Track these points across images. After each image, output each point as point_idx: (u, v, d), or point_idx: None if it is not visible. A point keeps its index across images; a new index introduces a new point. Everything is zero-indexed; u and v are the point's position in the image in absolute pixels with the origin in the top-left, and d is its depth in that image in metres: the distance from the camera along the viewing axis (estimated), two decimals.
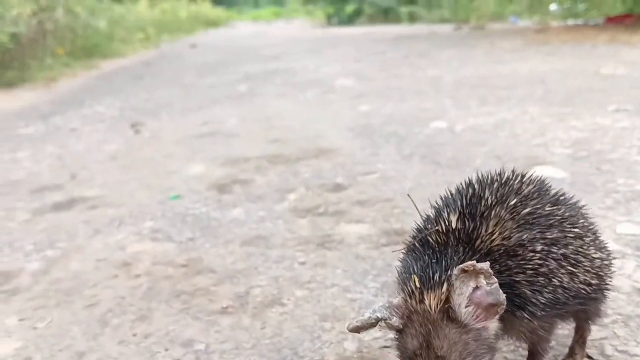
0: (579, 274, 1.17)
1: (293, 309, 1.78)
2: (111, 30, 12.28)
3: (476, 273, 1.00)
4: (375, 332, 1.58)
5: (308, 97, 6.07)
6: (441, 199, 1.26)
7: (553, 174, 2.76)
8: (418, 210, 1.30)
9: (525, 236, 1.11)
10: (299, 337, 1.61)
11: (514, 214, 1.13)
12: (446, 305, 1.03)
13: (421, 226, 1.21)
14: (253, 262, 2.18)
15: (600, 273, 1.23)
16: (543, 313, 1.11)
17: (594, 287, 1.21)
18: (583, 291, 1.19)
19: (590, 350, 1.37)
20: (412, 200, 1.34)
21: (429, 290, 1.04)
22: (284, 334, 1.64)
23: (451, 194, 1.24)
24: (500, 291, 1.01)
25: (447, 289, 1.03)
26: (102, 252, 2.43)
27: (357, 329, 1.08)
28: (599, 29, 9.28)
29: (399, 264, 1.18)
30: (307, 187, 3.08)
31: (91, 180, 3.63)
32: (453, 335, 1.03)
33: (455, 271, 1.01)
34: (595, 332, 1.44)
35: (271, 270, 2.09)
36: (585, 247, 1.20)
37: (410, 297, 1.06)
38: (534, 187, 1.23)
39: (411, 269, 1.09)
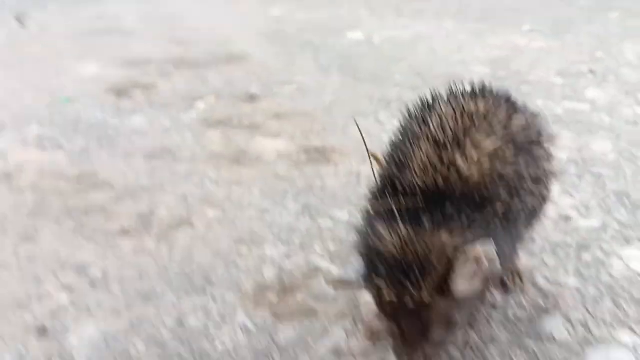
0: (544, 192, 1.10)
1: (205, 232, 1.61)
2: None
3: (479, 255, 0.87)
4: (297, 259, 1.45)
5: None
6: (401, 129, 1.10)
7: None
8: (365, 142, 1.14)
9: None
10: (212, 263, 1.46)
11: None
12: (440, 286, 0.89)
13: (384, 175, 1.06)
14: (158, 178, 1.97)
15: (550, 187, 1.16)
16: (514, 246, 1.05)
17: (546, 200, 1.16)
18: (539, 208, 1.13)
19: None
20: (359, 129, 1.17)
21: (416, 281, 0.89)
22: (194, 259, 1.48)
23: (403, 136, 1.08)
24: (498, 264, 0.89)
25: (438, 275, 0.89)
26: None
27: (337, 285, 1.01)
28: None
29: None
30: (217, 95, 2.85)
31: None
32: (443, 306, 0.91)
33: (458, 256, 0.88)
34: (524, 260, 1.40)
35: (179, 187, 1.89)
36: (546, 164, 1.12)
37: (393, 287, 0.90)
38: (491, 101, 1.09)
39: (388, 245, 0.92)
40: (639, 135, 2.12)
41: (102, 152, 2.21)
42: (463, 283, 0.89)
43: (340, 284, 0.95)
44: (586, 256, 1.41)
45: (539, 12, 4.55)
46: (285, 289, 1.33)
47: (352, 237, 1.02)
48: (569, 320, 1.18)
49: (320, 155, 2.09)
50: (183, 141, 2.29)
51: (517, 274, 1.31)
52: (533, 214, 1.13)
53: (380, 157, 1.20)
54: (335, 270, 1.39)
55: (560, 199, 1.68)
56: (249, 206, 1.75)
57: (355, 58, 3.46)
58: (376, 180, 1.11)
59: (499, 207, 0.97)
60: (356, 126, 1.18)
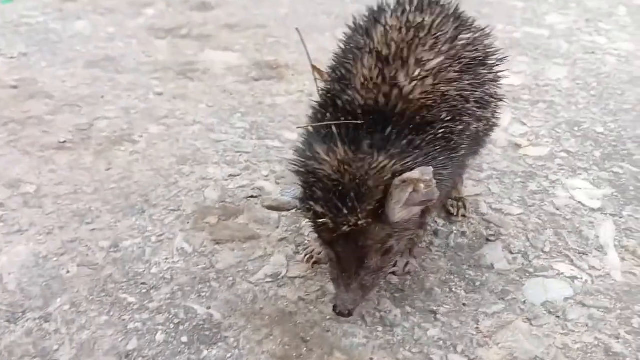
0: (487, 115, 1.06)
1: (146, 148, 1.54)
2: None
3: (416, 181, 0.84)
4: (241, 181, 1.41)
5: None
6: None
7: None
8: (309, 55, 1.07)
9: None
10: (152, 182, 1.40)
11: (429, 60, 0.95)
12: (377, 212, 0.87)
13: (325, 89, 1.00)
14: (99, 89, 1.86)
15: (497, 109, 1.13)
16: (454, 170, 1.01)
17: (491, 125, 1.13)
18: (483, 133, 1.11)
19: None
20: (302, 38, 1.10)
21: (353, 206, 0.86)
22: (133, 178, 1.42)
23: (347, 50, 1.02)
24: (436, 189, 0.86)
25: (374, 201, 0.86)
26: None
27: (272, 208, 0.93)
28: None
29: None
30: (167, 1, 2.67)
31: None
32: (379, 231, 0.90)
33: (396, 181, 0.84)
34: (470, 187, 1.39)
35: (121, 99, 1.80)
36: (492, 87, 1.08)
37: (329, 212, 0.87)
38: (438, 15, 1.04)
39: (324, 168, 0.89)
40: (595, 64, 2.10)
41: (42, 59, 2.07)
42: (399, 209, 0.87)
43: (275, 206, 0.91)
44: (532, 185, 1.41)
45: None
46: (227, 211, 1.30)
47: (290, 157, 0.98)
48: (510, 250, 1.19)
49: (272, 71, 2.01)
50: (128, 49, 2.16)
51: (461, 202, 1.30)
52: (477, 139, 1.10)
53: (324, 70, 1.14)
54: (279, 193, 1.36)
55: (511, 126, 1.66)
56: (194, 123, 1.67)
57: None
58: (318, 96, 1.06)
59: (441, 129, 0.94)
60: (299, 36, 1.10)
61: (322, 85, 1.09)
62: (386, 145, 0.89)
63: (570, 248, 1.20)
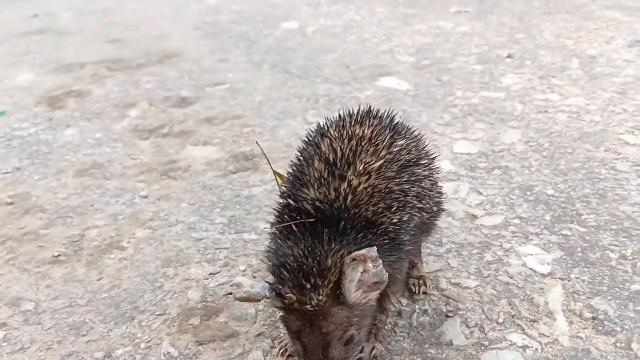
0: (427, 206, 1.21)
1: (133, 254, 1.68)
2: None
3: (365, 259, 0.98)
4: (221, 278, 1.53)
5: None
6: (295, 166, 1.20)
7: (398, 85, 2.79)
8: (270, 164, 1.22)
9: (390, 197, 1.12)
10: (140, 288, 1.53)
11: (372, 170, 1.12)
12: (336, 292, 1.01)
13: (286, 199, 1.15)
14: (89, 197, 2.01)
15: (439, 200, 1.29)
16: (404, 257, 1.15)
17: (434, 214, 1.28)
18: (428, 221, 1.25)
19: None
20: (263, 151, 1.25)
21: (315, 284, 0.99)
22: (123, 285, 1.55)
23: (301, 159, 1.19)
24: (384, 270, 1.00)
25: (334, 280, 1.00)
26: None
27: (244, 300, 1.06)
28: None
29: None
30: (150, 101, 2.86)
31: None
32: (340, 316, 1.03)
33: (347, 260, 0.99)
34: (431, 264, 1.51)
35: (109, 206, 1.94)
36: (429, 177, 1.24)
37: (295, 291, 1.00)
38: (376, 126, 1.20)
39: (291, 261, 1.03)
40: (547, 124, 2.25)
41: (35, 172, 2.22)
42: (354, 288, 1.00)
43: (247, 297, 1.04)
44: (488, 255, 1.53)
45: None
46: (209, 311, 1.41)
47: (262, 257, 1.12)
48: (467, 324, 1.30)
49: (248, 162, 2.16)
50: (114, 154, 2.32)
51: (422, 280, 1.42)
52: (425, 227, 1.25)
53: (283, 175, 1.30)
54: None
55: (468, 197, 1.80)
56: (177, 223, 1.81)
57: (288, 51, 3.50)
58: (281, 200, 1.21)
59: (387, 220, 1.09)
60: (260, 149, 1.25)
61: (284, 189, 1.25)
62: (342, 237, 1.04)
63: (522, 317, 1.31)
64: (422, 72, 2.95)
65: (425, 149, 1.28)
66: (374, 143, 1.16)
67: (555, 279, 1.42)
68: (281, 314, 1.09)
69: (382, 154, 1.14)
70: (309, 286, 0.99)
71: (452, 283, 1.44)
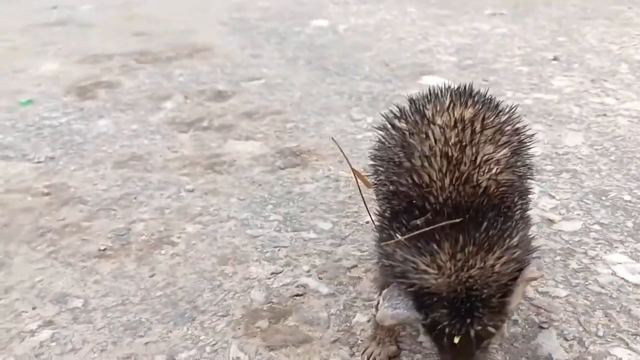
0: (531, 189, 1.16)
1: (185, 250, 1.57)
2: None
3: (537, 277, 0.90)
4: (284, 278, 1.43)
5: None
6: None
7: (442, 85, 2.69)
8: (348, 160, 1.11)
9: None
10: (197, 286, 1.42)
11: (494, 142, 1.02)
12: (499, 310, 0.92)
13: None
14: (131, 189, 1.90)
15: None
16: None
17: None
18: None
19: None
20: (339, 147, 1.14)
21: (481, 313, 0.90)
22: (178, 283, 1.44)
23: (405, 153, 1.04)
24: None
25: (501, 297, 0.91)
26: None
27: (392, 325, 1.01)
28: None
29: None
30: (184, 93, 2.76)
31: None
32: (500, 327, 0.95)
33: (520, 281, 0.90)
34: None
35: (154, 199, 1.83)
36: (529, 160, 1.16)
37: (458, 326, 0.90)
38: (479, 107, 1.08)
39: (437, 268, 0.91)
40: (609, 127, 2.15)
41: (70, 162, 2.12)
42: (517, 300, 0.91)
43: (396, 323, 0.93)
44: (572, 263, 1.42)
45: None
46: (276, 313, 1.30)
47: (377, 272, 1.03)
48: (564, 337, 1.19)
49: (296, 158, 2.06)
50: (153, 146, 2.22)
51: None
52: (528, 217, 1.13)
53: (363, 174, 1.18)
54: (324, 290, 1.37)
55: (540, 200, 1.69)
56: (228, 219, 1.70)
57: (321, 48, 3.40)
58: (379, 203, 1.11)
59: (518, 211, 1.00)
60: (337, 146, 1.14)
61: (366, 187, 1.14)
62: (489, 243, 0.91)
63: (622, 330, 1.20)
64: (465, 72, 2.84)
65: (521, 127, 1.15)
66: (488, 127, 1.03)
67: None
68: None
69: (498, 140, 1.02)
70: (472, 319, 0.89)
71: (540, 292, 1.33)
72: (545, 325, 1.22)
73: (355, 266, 1.46)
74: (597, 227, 1.55)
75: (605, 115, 2.27)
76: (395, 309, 0.90)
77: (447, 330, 0.90)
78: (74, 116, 2.56)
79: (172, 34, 3.90)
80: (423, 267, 0.91)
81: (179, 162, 2.07)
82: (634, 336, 1.18)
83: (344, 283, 1.40)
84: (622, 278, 1.36)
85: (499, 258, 0.91)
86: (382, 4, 4.51)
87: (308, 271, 1.45)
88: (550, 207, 1.65)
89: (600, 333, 1.19)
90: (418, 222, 0.96)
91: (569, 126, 2.17)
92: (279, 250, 1.54)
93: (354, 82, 2.81)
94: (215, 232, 1.64)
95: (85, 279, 1.48)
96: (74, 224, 1.72)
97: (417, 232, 0.95)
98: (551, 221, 1.59)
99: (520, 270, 0.91)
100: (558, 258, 1.44)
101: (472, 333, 0.90)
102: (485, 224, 0.93)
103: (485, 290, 0.89)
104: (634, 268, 1.39)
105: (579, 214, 1.61)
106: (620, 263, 1.40)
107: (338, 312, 1.30)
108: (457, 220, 0.93)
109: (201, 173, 1.99)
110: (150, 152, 2.16)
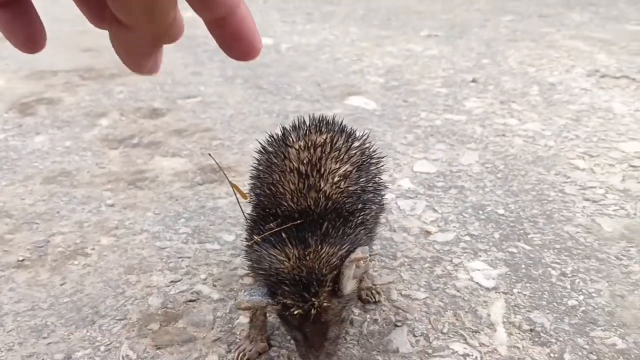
0: (378, 199, 1.34)
1: (97, 260, 1.72)
2: None
3: (361, 259, 1.08)
4: (181, 286, 1.58)
5: None
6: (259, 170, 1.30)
7: (365, 105, 2.89)
8: (226, 175, 1.29)
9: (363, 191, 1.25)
10: (102, 293, 1.57)
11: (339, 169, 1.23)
12: (333, 289, 1.11)
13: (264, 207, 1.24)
14: (55, 204, 2.04)
15: (384, 194, 1.43)
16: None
17: (382, 207, 1.42)
18: (379, 214, 1.39)
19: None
20: (218, 163, 1.31)
21: (316, 291, 1.09)
22: (85, 290, 1.58)
23: (269, 169, 1.26)
24: (369, 263, 1.14)
25: (331, 282, 1.10)
26: None
27: (248, 309, 1.14)
28: None
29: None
30: (121, 111, 2.90)
31: None
32: (336, 306, 1.13)
33: (346, 262, 1.09)
34: (384, 276, 1.59)
35: (75, 213, 1.98)
36: (378, 178, 1.37)
37: (300, 303, 1.09)
38: (332, 132, 1.31)
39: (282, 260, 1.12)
40: (504, 147, 2.36)
41: (2, 177, 2.25)
42: (350, 283, 1.11)
43: (250, 306, 1.11)
44: (438, 269, 1.61)
45: (438, 15, 4.81)
46: (168, 317, 1.46)
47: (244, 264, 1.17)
48: (413, 333, 1.38)
49: (215, 174, 2.22)
50: (83, 162, 2.36)
51: (375, 290, 1.49)
52: (376, 219, 1.36)
53: (240, 188, 1.38)
54: (215, 295, 1.54)
55: (424, 214, 1.88)
56: (141, 232, 1.85)
57: (261, 67, 3.58)
58: (251, 211, 1.31)
59: (359, 216, 1.22)
60: (214, 161, 1.31)
61: (242, 200, 1.32)
62: (326, 238, 1.14)
63: (465, 327, 1.39)
64: (389, 93, 3.05)
65: (372, 148, 1.39)
66: (335, 149, 1.26)
67: (499, 292, 1.51)
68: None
69: (343, 158, 1.25)
70: (310, 296, 1.09)
71: (403, 294, 1.51)
72: (399, 324, 1.40)
73: (248, 274, 1.62)
74: (467, 237, 1.75)
75: (504, 135, 2.48)
76: (252, 296, 1.10)
77: (291, 305, 1.09)
78: (12, 132, 2.68)
79: None
80: (274, 256, 1.13)
81: (104, 178, 2.21)
82: (474, 333, 1.37)
83: (235, 289, 1.56)
84: (477, 283, 1.55)
85: (332, 248, 1.12)
86: (327, 23, 4.71)
87: (205, 279, 1.61)
88: (430, 220, 1.84)
89: (445, 330, 1.38)
90: (272, 225, 1.19)
91: (468, 145, 2.38)
92: (182, 260, 1.70)
93: (285, 102, 2.99)
94: (127, 245, 1.79)
95: (1, 287, 1.61)
96: None
97: (270, 232, 1.17)
98: (428, 232, 1.77)
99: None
100: (426, 265, 1.62)
101: (312, 309, 1.08)
102: (325, 224, 1.15)
103: (320, 273, 1.10)
104: (490, 274, 1.58)
105: (455, 226, 1.81)
106: (479, 270, 1.60)
107: (224, 314, 1.46)
108: (300, 221, 1.15)
109: (123, 188, 2.13)
110: (78, 168, 2.30)
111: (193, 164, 2.31)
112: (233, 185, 1.41)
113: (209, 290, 1.56)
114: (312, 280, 1.09)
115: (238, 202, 1.38)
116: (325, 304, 1.10)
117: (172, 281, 1.60)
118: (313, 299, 1.09)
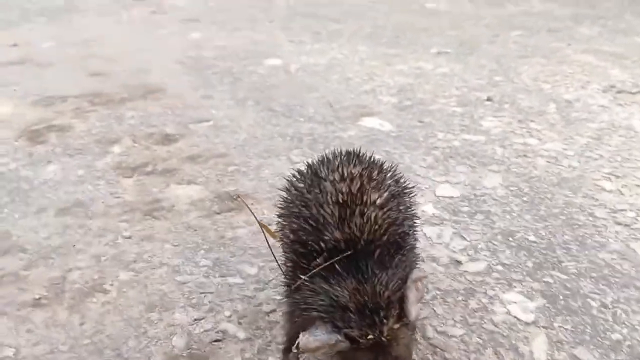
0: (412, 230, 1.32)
1: (116, 297, 1.66)
2: None
3: (420, 279, 1.08)
4: (206, 324, 1.52)
5: (133, 17, 5.60)
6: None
7: (380, 126, 2.84)
8: (253, 213, 1.23)
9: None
10: (123, 334, 1.51)
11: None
12: (400, 315, 1.07)
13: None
14: (71, 237, 1.98)
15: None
16: None
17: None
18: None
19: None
20: (245, 204, 1.27)
21: (384, 316, 1.05)
22: (105, 331, 1.52)
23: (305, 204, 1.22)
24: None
25: (399, 304, 1.07)
26: None
27: (317, 350, 1.07)
28: None
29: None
30: (133, 137, 2.86)
31: None
32: (406, 334, 1.10)
33: (408, 284, 1.08)
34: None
35: (92, 246, 1.92)
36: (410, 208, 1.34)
37: (370, 330, 1.04)
38: (364, 165, 1.29)
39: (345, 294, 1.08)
40: (527, 168, 2.30)
41: (15, 210, 2.19)
42: (414, 308, 1.08)
43: (320, 346, 1.05)
44: (472, 302, 1.55)
45: (446, 31, 4.77)
46: (194, 359, 1.40)
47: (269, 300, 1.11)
48: None
49: (232, 202, 2.16)
50: (96, 192, 2.30)
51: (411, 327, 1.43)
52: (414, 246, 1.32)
53: (269, 228, 1.33)
54: (242, 335, 1.48)
55: (452, 242, 1.82)
56: (160, 265, 1.80)
57: (272, 89, 3.54)
58: (286, 251, 1.27)
59: (407, 243, 1.22)
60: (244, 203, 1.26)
61: (273, 239, 1.27)
62: (382, 263, 1.12)
63: None
64: (403, 113, 3.00)
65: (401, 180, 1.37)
66: (373, 179, 1.23)
67: (539, 327, 1.44)
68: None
69: (381, 188, 1.23)
70: (379, 320, 1.04)
71: (438, 331, 1.45)
72: None
73: (274, 310, 1.56)
74: (499, 267, 1.69)
75: (525, 156, 2.43)
76: (316, 335, 1.05)
77: (360, 336, 1.04)
78: (23, 162, 2.63)
79: (128, 73, 3.99)
80: (331, 289, 1.08)
81: (119, 208, 2.16)
82: None
83: (262, 327, 1.50)
84: (515, 316, 1.48)
85: (390, 272, 1.10)
86: (334, 42, 4.67)
87: (229, 316, 1.55)
88: (459, 249, 1.78)
89: None
90: (319, 260, 1.15)
91: (489, 167, 2.33)
92: (204, 296, 1.64)
93: (298, 124, 2.94)
94: (147, 279, 1.73)
95: (18, 328, 1.56)
96: (13, 273, 1.80)
97: (319, 267, 1.13)
98: (458, 262, 1.71)
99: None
100: (460, 298, 1.56)
101: (384, 332, 1.04)
102: (378, 250, 1.13)
103: (385, 297, 1.06)
104: (527, 307, 1.52)
105: (485, 255, 1.75)
106: (515, 302, 1.54)
107: (252, 355, 1.40)
108: (350, 252, 1.12)
109: (140, 219, 2.08)
110: (92, 199, 2.24)
111: (209, 192, 2.26)
112: (262, 226, 1.37)
113: (234, 329, 1.50)
114: (379, 305, 1.05)
115: (267, 241, 1.33)
116: (396, 327, 1.06)
117: (195, 319, 1.54)
118: (384, 322, 1.05)
